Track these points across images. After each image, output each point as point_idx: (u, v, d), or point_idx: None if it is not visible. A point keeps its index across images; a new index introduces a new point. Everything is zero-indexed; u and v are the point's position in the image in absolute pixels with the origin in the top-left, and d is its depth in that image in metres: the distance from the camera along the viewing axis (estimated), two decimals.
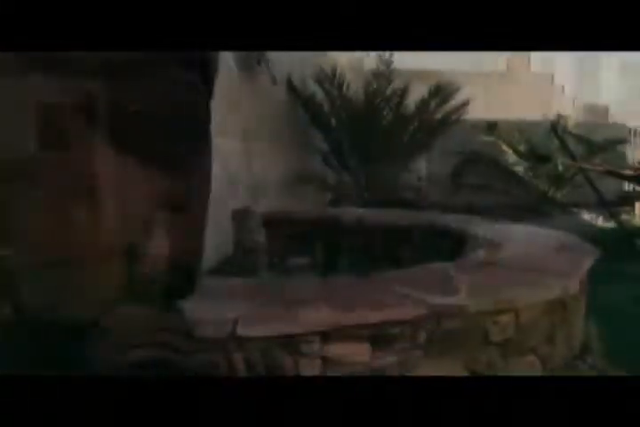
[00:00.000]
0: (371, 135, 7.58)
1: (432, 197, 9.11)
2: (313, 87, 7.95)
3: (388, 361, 2.51)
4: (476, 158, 10.24)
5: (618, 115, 13.74)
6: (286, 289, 2.85)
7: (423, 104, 8.17)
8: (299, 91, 7.61)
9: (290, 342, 2.39)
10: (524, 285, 2.95)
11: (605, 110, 14.03)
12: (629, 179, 9.07)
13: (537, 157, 10.07)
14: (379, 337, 2.48)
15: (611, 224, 8.95)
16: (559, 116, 10.53)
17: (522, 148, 10.37)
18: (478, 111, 9.61)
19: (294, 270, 4.35)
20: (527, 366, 2.94)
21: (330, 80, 7.93)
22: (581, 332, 3.56)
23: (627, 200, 10.41)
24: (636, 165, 11.05)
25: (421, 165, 9.58)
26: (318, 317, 2.43)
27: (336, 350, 2.44)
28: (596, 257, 3.58)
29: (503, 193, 9.90)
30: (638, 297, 4.37)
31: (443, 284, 2.91)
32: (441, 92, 8.14)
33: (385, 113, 7.95)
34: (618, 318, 4.31)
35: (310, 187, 7.67)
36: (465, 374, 2.70)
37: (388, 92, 7.87)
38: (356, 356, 2.47)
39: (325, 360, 2.43)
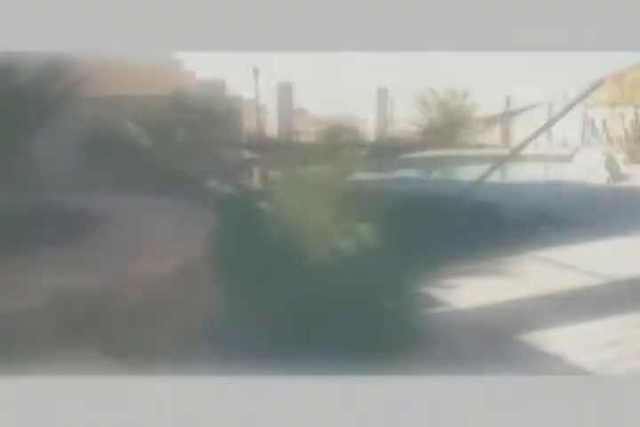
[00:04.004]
0: None
1: (58, 178, 8.73)
2: None
3: None
4: (99, 136, 10.05)
5: (234, 88, 14.78)
6: None
7: (37, 80, 7.73)
8: None
9: None
10: (144, 258, 3.04)
11: (223, 84, 14.87)
12: (246, 147, 9.80)
13: (160, 131, 10.27)
14: None
15: (233, 190, 9.60)
16: (180, 91, 10.80)
17: (145, 123, 10.43)
18: (99, 88, 9.40)
19: None
20: (169, 336, 3.05)
21: None
22: (214, 293, 3.79)
23: (245, 167, 11.28)
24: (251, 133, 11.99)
25: (44, 146, 9.06)
26: None
27: None
28: (214, 223, 3.83)
29: (129, 168, 9.93)
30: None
31: (63, 266, 2.86)
32: (56, 67, 7.78)
33: None
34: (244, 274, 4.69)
35: None
36: (107, 357, 2.70)
37: None
38: None
39: None
